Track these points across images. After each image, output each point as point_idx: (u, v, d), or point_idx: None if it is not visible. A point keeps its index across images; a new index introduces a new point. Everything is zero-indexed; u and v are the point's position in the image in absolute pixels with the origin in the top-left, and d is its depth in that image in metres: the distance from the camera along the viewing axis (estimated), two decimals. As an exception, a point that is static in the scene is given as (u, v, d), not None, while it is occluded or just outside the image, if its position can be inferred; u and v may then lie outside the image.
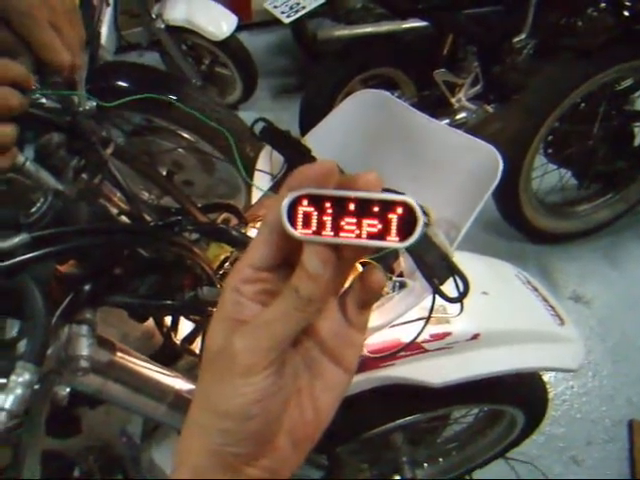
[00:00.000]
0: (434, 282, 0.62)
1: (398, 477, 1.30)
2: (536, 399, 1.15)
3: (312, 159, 0.81)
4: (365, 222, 0.27)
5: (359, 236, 0.27)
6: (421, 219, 0.26)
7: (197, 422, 0.31)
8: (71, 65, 0.60)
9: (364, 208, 0.27)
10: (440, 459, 1.40)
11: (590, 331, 1.87)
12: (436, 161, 0.79)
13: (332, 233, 0.27)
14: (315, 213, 0.27)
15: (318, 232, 0.27)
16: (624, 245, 2.12)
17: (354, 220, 0.27)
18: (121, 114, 1.69)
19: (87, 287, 0.47)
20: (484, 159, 0.73)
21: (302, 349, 0.32)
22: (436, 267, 0.63)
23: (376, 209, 0.27)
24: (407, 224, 0.27)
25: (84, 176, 0.59)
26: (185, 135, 1.75)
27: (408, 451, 1.25)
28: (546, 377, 1.71)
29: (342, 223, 0.27)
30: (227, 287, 0.31)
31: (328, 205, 0.27)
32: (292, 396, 0.32)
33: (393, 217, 0.27)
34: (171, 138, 1.76)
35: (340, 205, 0.27)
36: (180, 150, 1.77)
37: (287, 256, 0.30)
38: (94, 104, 0.69)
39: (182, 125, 1.72)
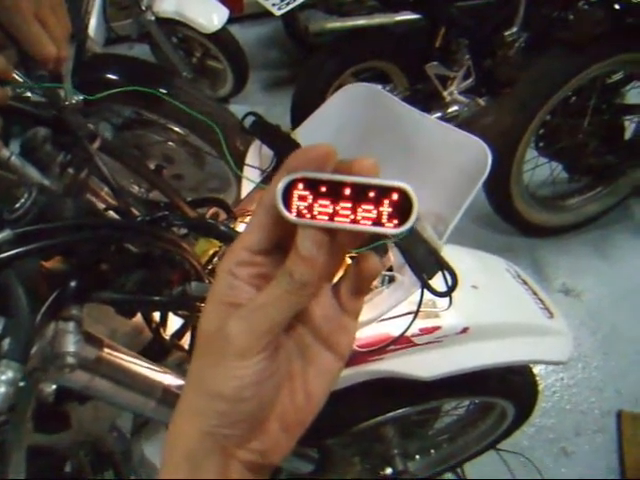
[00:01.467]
0: (423, 276, 0.62)
1: (390, 469, 1.31)
2: (526, 391, 1.16)
3: (301, 153, 0.80)
4: (360, 207, 0.27)
5: (354, 221, 0.27)
6: (416, 205, 0.26)
7: (191, 405, 0.31)
8: (57, 58, 0.60)
9: (360, 193, 0.27)
10: (431, 451, 1.41)
11: (580, 323, 1.88)
12: (425, 155, 0.79)
13: (327, 217, 0.27)
14: (310, 197, 0.27)
15: (313, 216, 0.27)
16: (614, 238, 2.13)
17: (349, 205, 0.27)
18: (111, 107, 1.68)
19: (73, 283, 0.47)
20: (473, 153, 0.73)
21: (295, 335, 0.32)
22: (424, 261, 0.63)
23: (372, 194, 0.27)
24: (402, 210, 0.26)
25: (70, 171, 0.59)
26: (175, 129, 1.74)
27: (399, 444, 1.26)
28: (536, 369, 1.73)
29: (337, 208, 0.27)
30: (221, 270, 0.31)
31: (324, 189, 0.27)
32: (284, 381, 0.32)
33: (389, 203, 0.27)
34: (161, 132, 1.75)
35: (336, 190, 0.27)
36: (170, 144, 1.76)
37: (282, 240, 0.30)
38: (81, 98, 0.68)
39: (172, 119, 1.71)
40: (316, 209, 0.27)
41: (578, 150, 1.95)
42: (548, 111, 1.81)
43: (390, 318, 0.77)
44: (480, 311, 0.90)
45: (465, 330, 0.85)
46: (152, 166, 1.65)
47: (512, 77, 1.99)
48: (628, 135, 2.03)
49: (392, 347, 0.80)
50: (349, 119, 0.88)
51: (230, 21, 2.30)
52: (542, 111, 1.78)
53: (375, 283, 0.72)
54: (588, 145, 1.94)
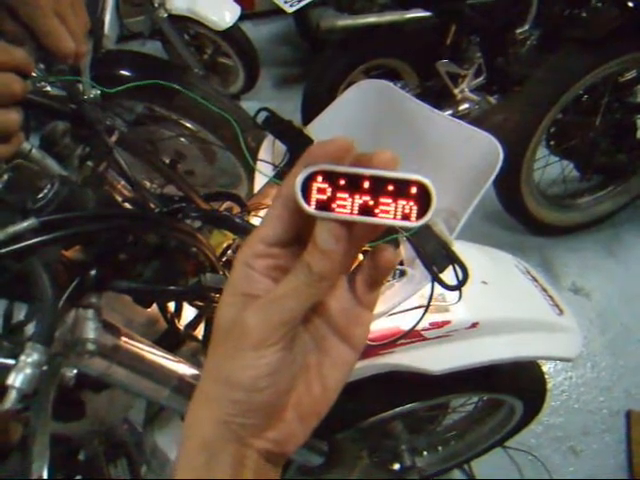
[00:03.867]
0: (433, 270, 0.63)
1: (398, 465, 1.32)
2: (535, 389, 1.16)
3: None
4: (379, 200, 0.27)
5: (374, 214, 0.27)
6: (435, 198, 0.26)
7: (208, 394, 0.31)
8: (75, 53, 0.61)
9: (379, 186, 0.27)
10: (439, 447, 1.41)
11: (589, 323, 1.88)
12: (437, 151, 0.80)
13: (346, 210, 0.27)
14: (329, 189, 0.27)
15: (332, 209, 0.27)
16: (625, 238, 2.12)
17: (368, 198, 0.27)
18: (123, 103, 1.70)
19: (92, 272, 0.48)
20: (485, 149, 0.74)
21: (311, 326, 0.33)
22: (436, 255, 0.64)
23: (390, 188, 0.27)
24: (421, 203, 0.27)
25: (89, 163, 0.60)
26: (187, 124, 1.76)
27: (408, 439, 1.27)
28: (545, 367, 1.73)
29: (356, 201, 0.27)
30: (238, 262, 0.31)
31: (342, 182, 0.27)
32: (300, 372, 0.32)
33: (407, 196, 0.27)
34: (173, 127, 1.76)
35: (355, 183, 0.27)
36: (182, 140, 1.78)
37: (299, 232, 0.30)
38: (98, 92, 0.70)
39: (184, 114, 1.72)
40: (335, 202, 0.27)
41: (589, 149, 1.94)
42: (559, 109, 1.80)
43: (400, 312, 0.78)
44: (490, 306, 0.90)
45: (475, 325, 0.86)
46: (167, 161, 1.67)
47: (524, 75, 1.98)
48: (640, 134, 2.02)
49: (402, 341, 0.81)
50: (361, 115, 0.88)
51: (242, 18, 2.31)
52: (553, 109, 1.77)
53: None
54: (599, 144, 1.93)
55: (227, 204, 0.80)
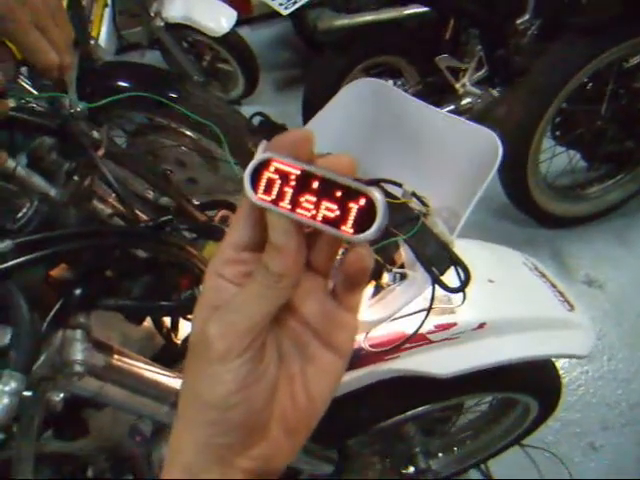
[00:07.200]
0: (434, 272, 0.61)
1: (412, 468, 1.29)
2: (549, 386, 1.13)
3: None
4: (324, 204, 0.25)
5: (314, 217, 0.26)
6: (379, 217, 0.24)
7: (185, 416, 0.30)
8: (60, 65, 0.60)
9: (327, 189, 0.25)
10: (455, 448, 1.39)
11: (604, 314, 1.84)
12: (435, 148, 0.78)
13: (289, 206, 0.26)
14: (279, 182, 0.26)
15: (276, 202, 0.26)
16: (637, 226, 2.07)
17: (314, 199, 0.25)
18: (122, 114, 1.69)
19: (78, 291, 0.47)
20: (483, 144, 0.72)
21: (292, 334, 0.31)
22: (436, 257, 0.62)
23: (338, 194, 0.25)
24: (366, 218, 0.25)
25: (75, 178, 0.59)
26: (187, 132, 1.75)
27: (421, 442, 1.25)
28: (560, 363, 1.69)
29: (301, 199, 0.26)
30: (209, 272, 0.29)
31: (293, 177, 0.26)
32: (283, 383, 0.31)
33: (353, 207, 0.25)
34: (173, 136, 1.75)
35: (304, 180, 0.26)
36: (183, 148, 1.77)
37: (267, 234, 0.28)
38: (86, 106, 0.69)
39: (184, 123, 1.71)
40: (281, 195, 0.26)
41: (596, 137, 1.90)
42: (564, 98, 1.76)
43: (404, 316, 0.76)
44: (497, 306, 0.88)
45: (482, 326, 0.84)
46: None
47: (525, 66, 1.94)
48: (648, 120, 1.97)
49: (408, 345, 0.79)
50: (357, 115, 0.87)
51: (240, 23, 2.30)
52: (557, 99, 1.73)
53: (386, 281, 0.71)
54: (606, 131, 1.88)
55: (222, 212, 0.79)
